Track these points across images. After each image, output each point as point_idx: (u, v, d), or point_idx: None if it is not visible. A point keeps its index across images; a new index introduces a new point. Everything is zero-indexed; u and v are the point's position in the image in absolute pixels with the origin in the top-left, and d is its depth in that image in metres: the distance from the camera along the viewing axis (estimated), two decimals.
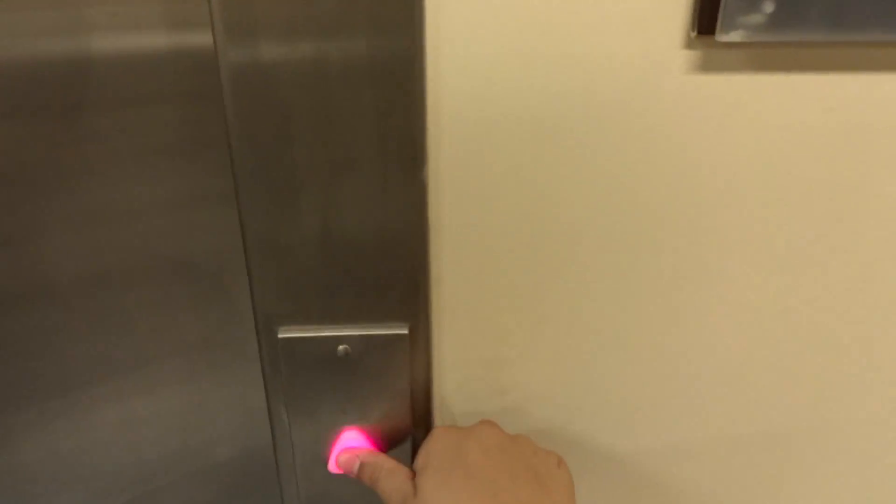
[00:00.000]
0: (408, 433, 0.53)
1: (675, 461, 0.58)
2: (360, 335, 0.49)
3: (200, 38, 0.41)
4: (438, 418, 0.55)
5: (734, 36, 0.40)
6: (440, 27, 0.41)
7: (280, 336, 0.49)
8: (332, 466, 0.52)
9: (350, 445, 0.52)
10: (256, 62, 0.41)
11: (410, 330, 0.49)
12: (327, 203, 0.45)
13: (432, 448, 0.47)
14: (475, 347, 0.52)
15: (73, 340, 0.48)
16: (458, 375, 0.53)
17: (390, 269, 0.47)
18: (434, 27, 0.41)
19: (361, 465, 0.50)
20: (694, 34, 0.41)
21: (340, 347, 0.49)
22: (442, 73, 0.43)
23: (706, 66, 0.43)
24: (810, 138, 0.45)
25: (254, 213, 0.45)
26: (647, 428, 0.56)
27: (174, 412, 0.52)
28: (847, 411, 0.55)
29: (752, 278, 0.50)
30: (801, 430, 0.56)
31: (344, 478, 0.52)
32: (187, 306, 0.49)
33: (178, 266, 0.47)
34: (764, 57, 0.43)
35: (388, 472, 0.48)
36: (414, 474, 0.47)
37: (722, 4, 0.39)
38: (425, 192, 0.46)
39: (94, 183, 0.44)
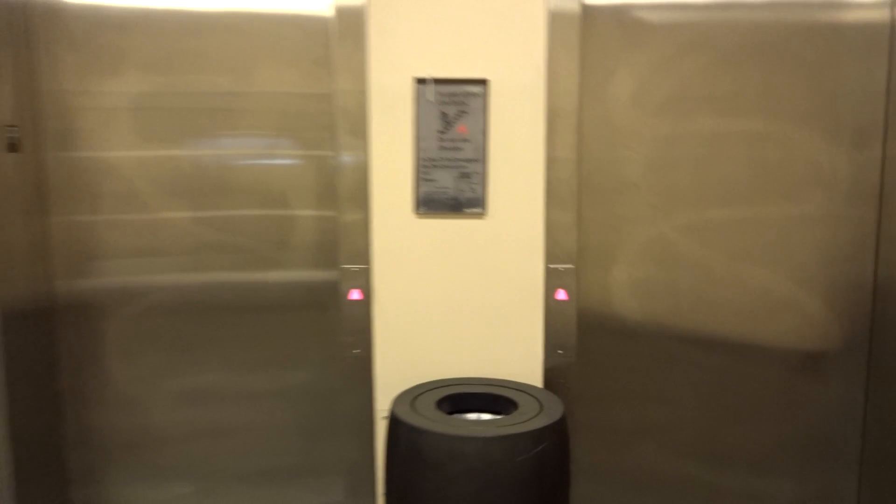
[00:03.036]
0: None
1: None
2: None
3: None
4: None
5: (420, 212, 2.20)
6: None
7: None
8: None
9: None
10: None
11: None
12: None
13: None
14: None
15: None
16: None
17: None
18: None
19: None
20: (414, 210, 2.21)
21: None
22: None
23: (417, 216, 2.22)
24: (447, 240, 2.23)
25: None
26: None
27: None
28: None
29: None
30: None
31: None
32: None
33: None
34: (426, 216, 2.22)
35: None
36: None
37: (418, 205, 2.19)
38: None
39: None
